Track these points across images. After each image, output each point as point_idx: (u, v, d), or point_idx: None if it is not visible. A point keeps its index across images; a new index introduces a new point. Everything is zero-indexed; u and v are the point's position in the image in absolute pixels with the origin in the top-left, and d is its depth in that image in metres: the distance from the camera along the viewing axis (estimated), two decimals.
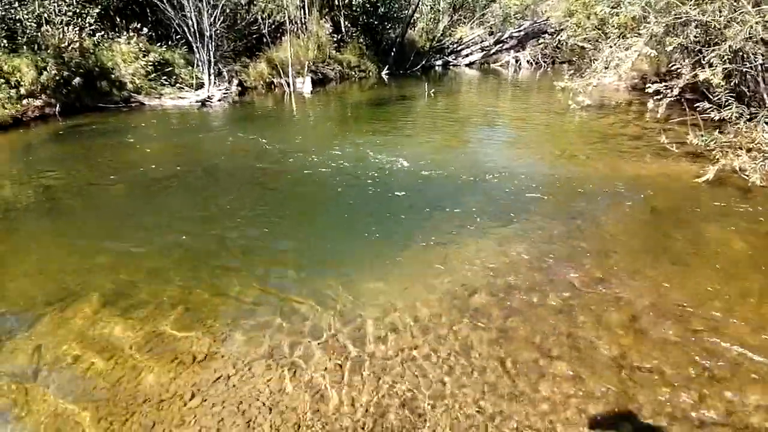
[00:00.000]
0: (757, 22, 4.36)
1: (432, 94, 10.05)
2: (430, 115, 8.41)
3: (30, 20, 8.54)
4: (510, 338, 2.31)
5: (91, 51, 8.81)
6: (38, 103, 7.80)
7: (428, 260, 3.04)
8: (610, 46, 6.80)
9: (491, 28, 16.75)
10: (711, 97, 4.81)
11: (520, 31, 15.87)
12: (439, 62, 16.06)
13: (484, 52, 16.26)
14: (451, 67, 16.09)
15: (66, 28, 8.68)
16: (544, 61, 15.33)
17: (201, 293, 2.72)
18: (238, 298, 2.67)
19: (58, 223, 3.84)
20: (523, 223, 3.51)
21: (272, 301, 2.65)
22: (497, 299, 2.61)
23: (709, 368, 2.08)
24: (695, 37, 5.29)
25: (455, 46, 16.46)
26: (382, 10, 13.89)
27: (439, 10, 16.98)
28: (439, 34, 16.47)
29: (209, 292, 2.73)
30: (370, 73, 13.75)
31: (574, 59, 11.04)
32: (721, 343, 2.22)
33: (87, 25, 9.14)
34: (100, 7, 9.44)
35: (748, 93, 5.81)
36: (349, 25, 13.69)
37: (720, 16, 4.72)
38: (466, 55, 16.32)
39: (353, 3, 13.10)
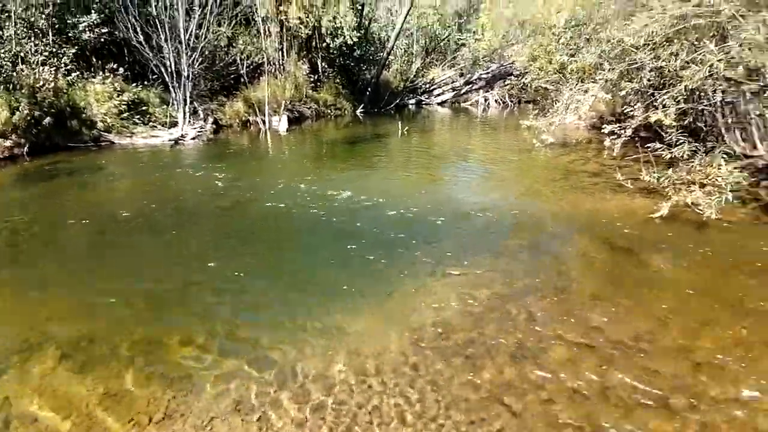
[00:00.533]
0: (719, 60, 4.63)
1: (405, 132, 10.37)
2: (403, 153, 8.65)
3: (6, 60, 8.50)
4: (479, 381, 2.31)
5: (65, 90, 8.77)
6: (8, 143, 7.63)
7: (398, 300, 3.05)
8: (570, 90, 7.29)
9: (461, 69, 17.64)
10: (664, 135, 5.13)
11: (488, 73, 16.77)
12: (413, 101, 16.68)
13: (455, 92, 17.03)
14: (423, 105, 16.72)
15: (41, 68, 8.66)
16: (511, 101, 16.14)
17: (163, 344, 2.63)
18: (203, 348, 2.59)
19: (18, 270, 3.68)
20: (491, 260, 3.59)
21: (238, 350, 2.58)
22: (466, 339, 2.63)
23: (669, 397, 2.13)
24: (648, 80, 5.67)
25: (428, 86, 17.19)
26: (359, 52, 14.50)
27: (412, 53, 17.84)
28: (412, 75, 17.21)
29: (172, 343, 2.64)
30: (346, 112, 14.12)
31: (538, 99, 11.67)
32: (678, 372, 2.28)
33: (63, 65, 9.15)
34: (76, 47, 9.49)
35: (704, 128, 6.22)
36: (326, 66, 14.17)
37: (676, 60, 5.08)
38: (438, 95, 17.04)
39: (331, 46, 13.62)
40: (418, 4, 16.19)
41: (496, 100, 16.37)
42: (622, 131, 5.33)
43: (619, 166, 5.77)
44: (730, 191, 4.15)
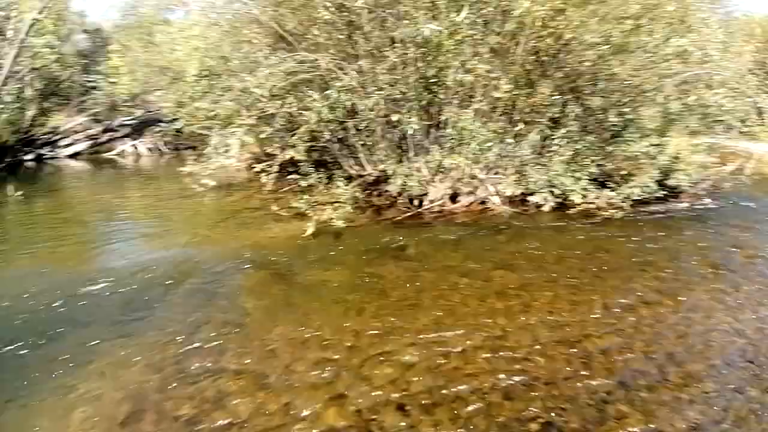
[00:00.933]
0: (324, 106, 5.76)
1: (20, 196, 7.80)
2: (18, 225, 6.45)
3: None
4: None
5: None
6: None
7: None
8: (219, 134, 7.55)
9: (96, 115, 15.11)
10: (300, 168, 6.12)
11: (134, 119, 15.16)
12: (31, 156, 12.85)
13: (93, 141, 14.39)
14: (47, 161, 13.16)
15: None
16: (168, 148, 15.18)
17: None
18: None
19: None
20: (155, 323, 3.16)
21: None
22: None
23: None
24: (282, 125, 6.56)
25: (50, 136, 13.71)
26: None
27: (25, 99, 13.72)
28: (27, 125, 13.24)
29: None
30: None
31: (196, 145, 11.51)
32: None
33: None
34: None
35: (330, 160, 7.80)
36: None
37: (294, 107, 6.09)
38: (68, 145, 13.85)
39: None
40: (31, 44, 12.67)
41: (149, 148, 14.95)
42: (271, 168, 5.98)
43: (276, 198, 6.46)
44: (349, 204, 5.44)
